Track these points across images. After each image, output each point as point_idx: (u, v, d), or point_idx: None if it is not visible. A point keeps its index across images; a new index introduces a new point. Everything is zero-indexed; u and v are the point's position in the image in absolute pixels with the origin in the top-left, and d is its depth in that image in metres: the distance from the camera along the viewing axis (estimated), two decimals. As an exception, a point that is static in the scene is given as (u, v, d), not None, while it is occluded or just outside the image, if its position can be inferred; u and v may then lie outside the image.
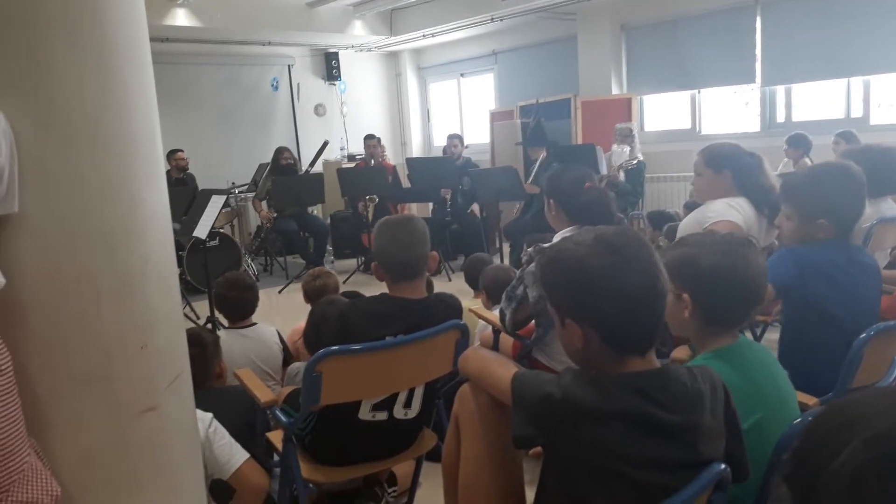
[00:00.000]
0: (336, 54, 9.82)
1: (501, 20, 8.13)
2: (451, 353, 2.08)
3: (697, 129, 7.79)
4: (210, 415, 1.95)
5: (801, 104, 7.09)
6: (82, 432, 1.46)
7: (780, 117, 7.18)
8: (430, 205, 8.03)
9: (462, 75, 10.14)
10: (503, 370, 1.36)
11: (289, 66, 9.58)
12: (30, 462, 1.29)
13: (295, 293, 5.07)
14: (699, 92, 7.67)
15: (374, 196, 7.23)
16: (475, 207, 7.53)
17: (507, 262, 6.01)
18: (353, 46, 9.71)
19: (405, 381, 2.05)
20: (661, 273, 1.24)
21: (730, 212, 2.69)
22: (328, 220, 7.98)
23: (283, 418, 1.99)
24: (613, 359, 1.22)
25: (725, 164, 2.81)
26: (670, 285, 1.45)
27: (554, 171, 2.93)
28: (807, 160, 5.92)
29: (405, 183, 7.80)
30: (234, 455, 1.94)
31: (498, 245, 6.46)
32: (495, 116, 8.89)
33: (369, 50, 9.97)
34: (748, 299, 1.53)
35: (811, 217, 2.12)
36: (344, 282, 6.31)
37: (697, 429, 1.21)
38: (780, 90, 7.15)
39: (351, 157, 9.34)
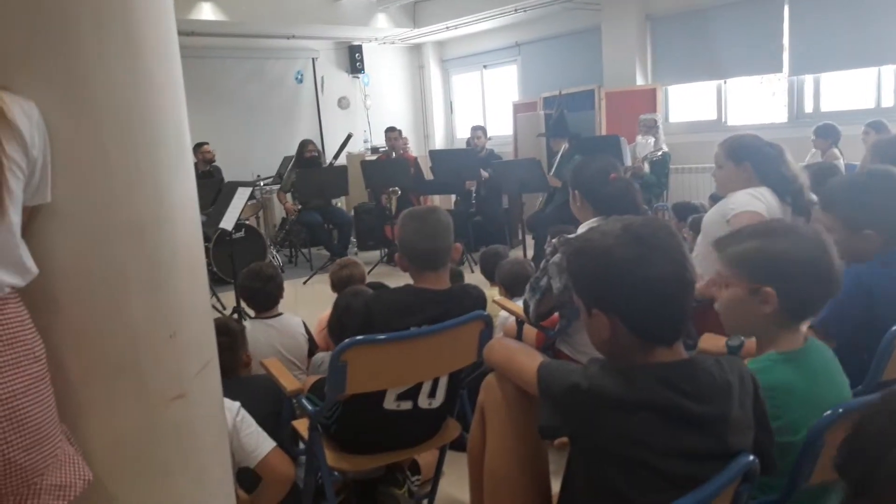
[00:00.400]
0: (360, 47, 9.84)
1: (525, 11, 8.09)
2: (476, 344, 2.09)
3: (723, 119, 7.70)
4: (237, 403, 1.97)
5: (829, 94, 6.97)
6: (113, 419, 1.48)
7: (808, 107, 7.07)
8: (453, 197, 8.03)
9: (485, 67, 10.11)
10: (529, 360, 1.36)
11: (313, 59, 9.62)
12: (63, 447, 1.31)
13: (319, 284, 5.11)
14: (725, 82, 7.58)
15: (397, 188, 7.25)
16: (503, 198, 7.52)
17: (530, 254, 6.00)
18: (376, 39, 9.72)
19: (430, 370, 2.06)
20: (689, 263, 1.23)
21: (752, 202, 2.65)
22: (352, 213, 8.02)
23: (309, 407, 2.01)
24: (640, 349, 1.22)
25: (746, 156, 2.77)
26: (739, 280, 1.43)
27: (579, 162, 2.92)
28: (835, 151, 5.82)
29: (427, 175, 7.80)
30: (260, 444, 1.96)
31: (521, 237, 6.45)
32: (518, 108, 8.86)
33: (392, 42, 9.97)
34: (830, 291, 1.46)
35: (856, 228, 1.98)
36: (368, 273, 6.34)
37: (726, 420, 1.20)
38: (808, 80, 7.03)
39: (374, 150, 9.37)
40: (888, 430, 0.78)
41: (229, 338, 2.32)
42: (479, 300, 2.21)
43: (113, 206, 1.47)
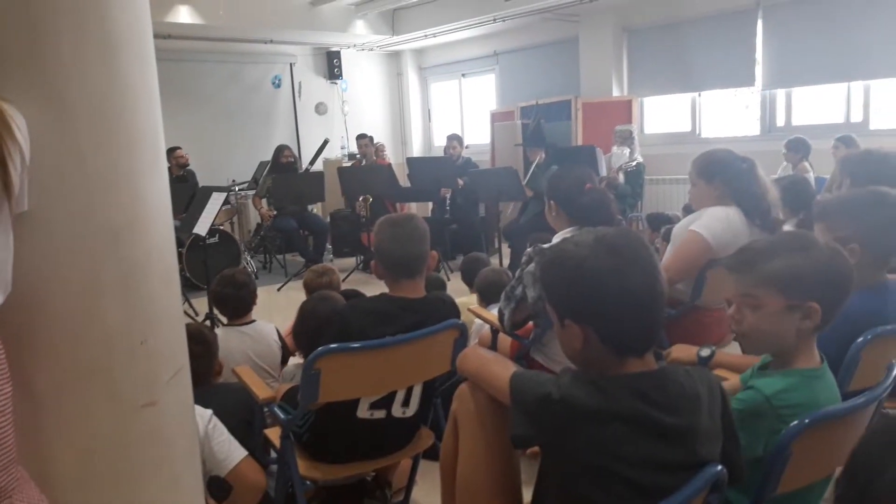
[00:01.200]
0: (338, 53, 9.82)
1: (504, 21, 8.14)
2: (450, 352, 2.09)
3: (697, 131, 7.81)
4: (210, 411, 1.96)
5: (801, 108, 7.11)
6: (84, 426, 1.46)
7: (780, 121, 7.20)
8: (430, 205, 8.04)
9: (463, 75, 10.15)
10: (502, 369, 1.37)
11: (291, 64, 9.58)
12: (20, 469, 1.29)
13: (294, 291, 5.09)
14: (700, 95, 7.69)
15: (369, 195, 7.24)
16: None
17: (506, 263, 6.02)
18: (354, 46, 9.72)
19: (404, 379, 2.06)
20: (660, 274, 1.25)
21: (710, 223, 2.73)
22: (328, 219, 7.99)
23: (281, 415, 2.00)
24: (612, 360, 1.23)
25: (717, 172, 2.82)
26: (775, 297, 1.42)
27: (555, 172, 2.95)
28: (806, 164, 5.93)
29: (404, 182, 7.81)
30: (232, 452, 1.95)
31: (497, 245, 6.47)
32: (496, 117, 8.90)
33: (371, 49, 9.97)
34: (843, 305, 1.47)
35: (843, 242, 1.90)
36: (343, 280, 6.31)
37: (695, 430, 1.22)
38: (780, 94, 7.16)
39: (352, 156, 9.34)
40: (880, 456, 0.79)
41: (203, 346, 2.30)
42: (454, 309, 2.22)
43: (88, 211, 1.45)
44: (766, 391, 1.42)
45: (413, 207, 8.62)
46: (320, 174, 7.42)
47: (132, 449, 1.52)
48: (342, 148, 9.74)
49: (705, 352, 1.98)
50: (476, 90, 10.11)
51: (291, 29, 8.43)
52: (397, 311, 2.07)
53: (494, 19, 8.07)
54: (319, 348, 1.88)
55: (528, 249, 2.49)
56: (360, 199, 7.23)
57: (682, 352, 2.07)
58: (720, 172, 2.82)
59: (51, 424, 1.42)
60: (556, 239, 2.57)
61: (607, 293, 1.20)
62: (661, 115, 8.19)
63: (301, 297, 3.58)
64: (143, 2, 1.60)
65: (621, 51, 8.15)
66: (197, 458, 1.70)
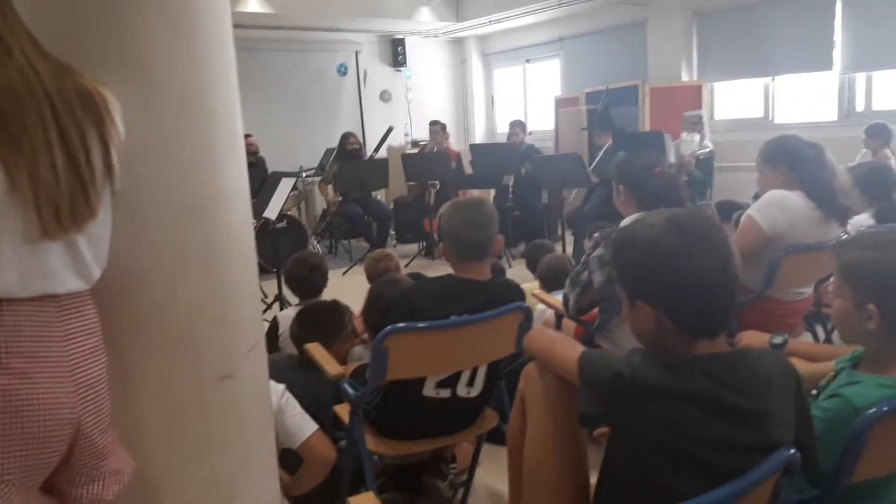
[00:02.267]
0: (402, 41, 9.88)
1: (569, 5, 8.04)
2: (514, 335, 2.11)
3: (770, 117, 7.56)
4: (283, 386, 2.02)
5: (882, 92, 6.79)
6: (167, 395, 1.53)
7: (860, 106, 6.90)
8: (492, 191, 8.04)
9: (527, 61, 10.07)
10: (570, 349, 1.37)
11: (356, 52, 9.69)
12: (114, 434, 1.35)
13: (358, 275, 5.17)
14: (773, 79, 7.43)
15: (436, 182, 7.29)
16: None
17: (569, 250, 5.98)
18: (419, 33, 9.75)
19: (469, 359, 2.09)
20: (733, 256, 1.24)
21: (762, 207, 2.71)
22: (391, 205, 8.08)
23: (351, 391, 2.05)
24: (683, 341, 1.23)
25: (782, 159, 2.78)
26: (846, 291, 1.40)
27: (624, 157, 2.92)
28: (887, 151, 5.68)
29: (467, 169, 7.83)
30: (304, 426, 2.01)
31: (560, 233, 6.44)
32: (560, 103, 8.82)
33: (435, 36, 9.99)
34: None
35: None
36: (406, 266, 6.39)
37: (767, 413, 1.20)
38: (859, 77, 6.86)
39: (415, 143, 9.42)
40: None
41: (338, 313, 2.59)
42: (519, 292, 2.23)
43: (172, 190, 1.52)
44: (856, 402, 1.37)
45: (475, 194, 8.64)
46: (385, 161, 7.51)
47: (211, 419, 1.58)
48: (406, 135, 9.81)
49: (778, 339, 1.94)
50: (540, 76, 10.02)
51: (357, 17, 8.52)
52: (463, 293, 2.10)
53: (559, 4, 7.99)
54: (388, 327, 1.92)
55: (595, 234, 2.48)
56: (429, 184, 7.28)
57: (752, 338, 2.03)
58: (785, 159, 2.78)
59: (138, 393, 1.50)
60: (624, 224, 2.55)
61: (679, 274, 1.20)
62: (733, 100, 7.95)
63: (365, 281, 3.68)
64: (222, -11, 1.66)
65: (691, 34, 7.94)
66: (271, 430, 1.77)
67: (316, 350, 2.25)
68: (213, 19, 1.61)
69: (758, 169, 2.90)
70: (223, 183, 1.61)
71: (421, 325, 1.95)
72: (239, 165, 1.68)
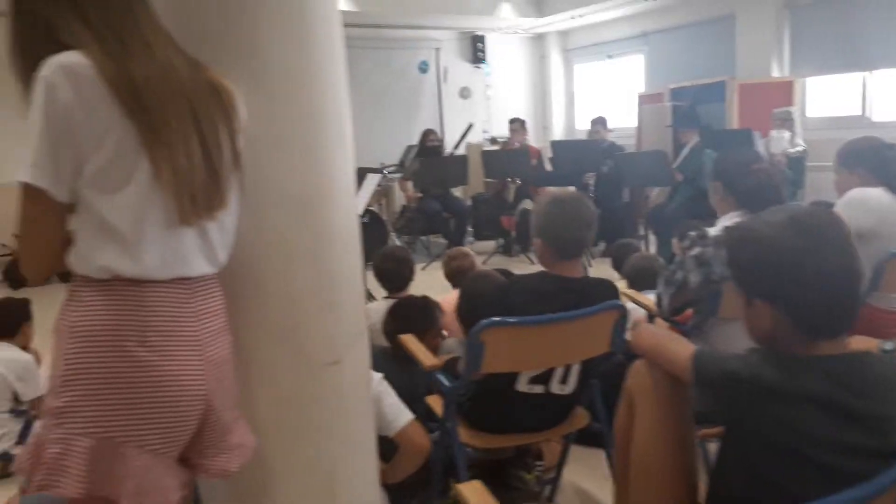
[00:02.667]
0: (482, 37, 9.89)
1: (654, 0, 7.88)
2: (609, 334, 2.09)
3: (867, 114, 7.21)
4: (380, 375, 2.07)
5: None
6: (276, 381, 1.59)
7: (968, 102, 6.51)
8: (571, 189, 7.96)
9: (609, 57, 9.91)
10: (681, 346, 1.36)
11: (436, 49, 9.76)
12: (237, 412, 1.43)
13: (436, 271, 5.22)
14: (870, 74, 7.08)
15: (516, 178, 7.27)
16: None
17: (653, 250, 5.88)
18: (499, 29, 9.75)
19: (563, 356, 2.08)
20: (856, 254, 1.20)
21: (842, 206, 2.63)
22: (469, 202, 8.11)
23: (446, 383, 2.08)
24: (803, 341, 1.20)
25: (858, 162, 2.72)
26: None
27: (721, 154, 2.86)
28: None
29: (546, 166, 7.78)
30: (400, 414, 2.05)
31: (643, 231, 6.33)
32: (644, 99, 8.65)
33: (515, 32, 9.96)
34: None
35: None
36: (483, 263, 6.41)
37: (890, 417, 1.16)
38: (969, 72, 6.47)
39: (493, 140, 9.42)
40: None
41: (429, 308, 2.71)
42: (613, 292, 2.21)
43: (283, 182, 1.58)
44: None
45: (553, 191, 8.56)
46: (464, 157, 7.54)
47: (317, 404, 1.64)
48: (484, 132, 9.82)
49: (889, 346, 1.87)
50: (622, 72, 9.85)
51: (439, 14, 8.57)
52: (557, 290, 2.09)
53: (645, -1, 7.84)
54: (484, 321, 1.94)
55: (691, 233, 2.43)
56: (508, 180, 7.28)
57: (860, 344, 1.95)
58: (863, 161, 2.71)
59: (252, 376, 1.57)
60: (720, 223, 2.49)
61: (801, 273, 1.17)
62: (827, 97, 7.62)
63: (442, 276, 3.77)
64: (334, -11, 1.71)
65: (783, 28, 7.66)
66: (371, 417, 1.81)
67: (411, 342, 2.29)
68: (326, 22, 1.66)
69: (835, 171, 2.84)
70: (332, 179, 1.66)
71: (517, 319, 1.96)
72: (346, 162, 1.74)
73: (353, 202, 1.76)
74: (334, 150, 1.68)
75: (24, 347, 3.11)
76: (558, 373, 2.12)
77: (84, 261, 1.19)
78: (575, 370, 2.15)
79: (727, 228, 2.16)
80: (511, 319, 1.96)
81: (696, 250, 2.33)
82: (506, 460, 2.45)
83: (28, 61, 1.17)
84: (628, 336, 1.71)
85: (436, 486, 2.27)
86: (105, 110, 1.15)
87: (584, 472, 2.64)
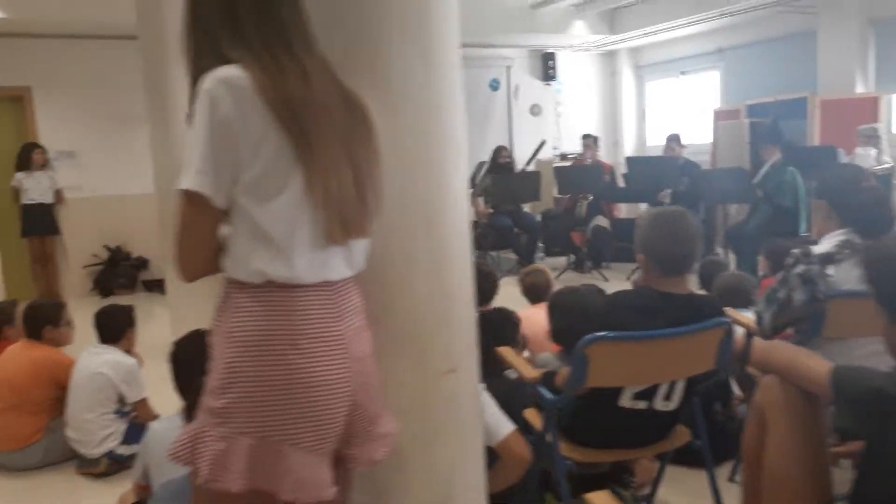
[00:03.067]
0: (553, 55, 9.91)
1: (731, 16, 7.76)
2: (714, 351, 2.07)
3: (959, 131, 6.93)
4: (483, 384, 2.09)
5: None
6: (397, 390, 1.62)
7: None
8: (643, 206, 7.87)
9: (682, 73, 9.79)
10: (816, 363, 1.35)
11: (507, 66, 9.82)
12: (382, 403, 1.48)
13: (507, 286, 5.25)
14: (965, 90, 6.82)
15: (588, 195, 7.25)
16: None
17: (731, 267, 5.76)
18: (570, 46, 9.75)
19: (668, 373, 2.07)
20: None
21: None
22: (539, 218, 8.11)
23: (548, 395, 2.10)
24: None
25: None
26: None
27: (825, 170, 2.80)
28: None
29: (619, 182, 7.73)
30: (502, 424, 2.08)
31: (720, 249, 6.21)
32: (719, 115, 8.50)
33: (587, 50, 9.95)
34: None
35: None
36: (556, 279, 6.39)
37: None
38: None
39: (563, 156, 9.40)
40: None
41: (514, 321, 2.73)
42: (718, 309, 2.19)
43: (405, 194, 1.62)
44: None
45: (623, 209, 8.49)
46: (537, 174, 7.56)
47: (435, 412, 1.66)
48: (554, 148, 9.81)
49: None
50: (695, 87, 9.71)
51: (512, 32, 8.63)
52: (662, 306, 2.09)
53: (721, 15, 7.72)
54: (589, 336, 1.95)
55: (795, 251, 2.39)
56: (580, 197, 7.27)
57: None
58: None
59: (382, 384, 1.61)
60: (824, 243, 2.45)
61: None
62: (914, 113, 7.36)
63: (515, 292, 3.85)
64: (453, 11, 1.76)
65: (867, 43, 7.44)
66: (480, 426, 1.84)
67: (510, 354, 2.31)
68: (444, 39, 1.72)
69: None
70: (449, 193, 1.70)
71: (624, 334, 1.96)
72: (461, 177, 1.78)
73: (466, 217, 1.79)
74: (453, 164, 1.73)
75: (128, 351, 3.26)
76: (663, 389, 2.11)
77: (239, 265, 1.25)
78: (679, 387, 2.13)
79: (867, 248, 2.10)
80: (617, 334, 1.96)
81: (800, 268, 2.29)
82: (602, 475, 2.44)
83: (197, 71, 1.25)
84: (752, 352, 1.69)
85: (531, 497, 2.27)
86: (261, 122, 1.21)
87: (680, 491, 2.61)
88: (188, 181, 1.21)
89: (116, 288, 7.20)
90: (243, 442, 1.22)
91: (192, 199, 1.22)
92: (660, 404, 2.12)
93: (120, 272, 7.33)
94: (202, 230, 1.26)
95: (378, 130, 1.44)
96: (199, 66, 1.25)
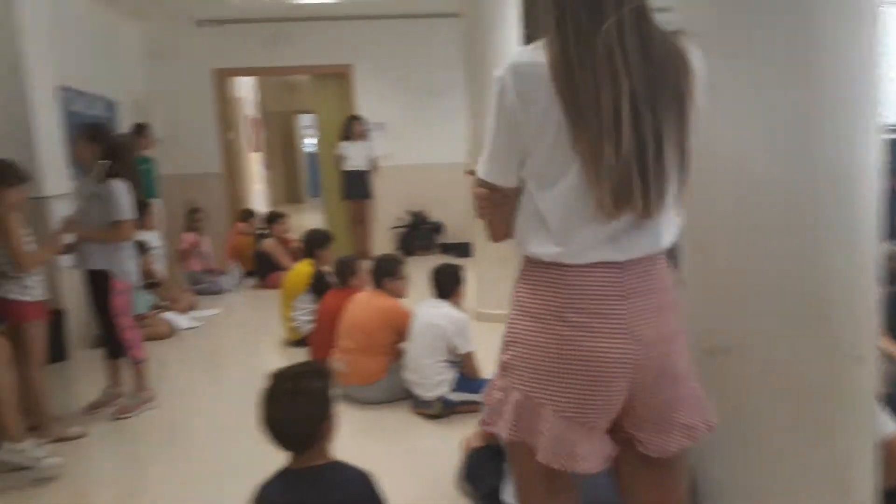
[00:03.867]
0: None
1: None
2: None
3: None
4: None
5: None
6: (798, 374, 1.54)
7: None
8: None
9: None
10: None
11: None
12: (695, 390, 1.37)
13: None
14: None
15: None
16: None
17: None
18: None
19: None
20: None
21: None
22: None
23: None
24: None
25: None
26: None
27: None
28: None
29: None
30: (886, 422, 1.87)
31: None
32: None
33: None
34: None
35: None
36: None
37: None
38: None
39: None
40: None
41: None
42: None
43: (814, 152, 1.49)
44: None
45: None
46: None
47: (839, 400, 1.54)
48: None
49: None
50: None
51: None
52: None
53: None
54: None
55: None
56: None
57: None
58: None
59: (772, 367, 1.55)
60: None
61: None
62: None
63: None
64: None
65: None
66: (875, 421, 1.66)
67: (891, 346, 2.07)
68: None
69: None
70: (858, 155, 1.52)
71: None
72: (872, 139, 1.57)
73: (875, 184, 1.57)
74: (866, 130, 1.55)
75: (457, 306, 3.50)
76: None
77: (521, 242, 1.34)
78: None
79: None
80: None
81: None
82: None
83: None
84: None
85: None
86: (546, 107, 1.20)
87: None
88: (481, 169, 1.34)
89: (417, 249, 7.82)
90: (514, 395, 1.32)
91: (482, 183, 1.36)
92: None
93: (419, 234, 7.95)
94: (491, 208, 1.37)
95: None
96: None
